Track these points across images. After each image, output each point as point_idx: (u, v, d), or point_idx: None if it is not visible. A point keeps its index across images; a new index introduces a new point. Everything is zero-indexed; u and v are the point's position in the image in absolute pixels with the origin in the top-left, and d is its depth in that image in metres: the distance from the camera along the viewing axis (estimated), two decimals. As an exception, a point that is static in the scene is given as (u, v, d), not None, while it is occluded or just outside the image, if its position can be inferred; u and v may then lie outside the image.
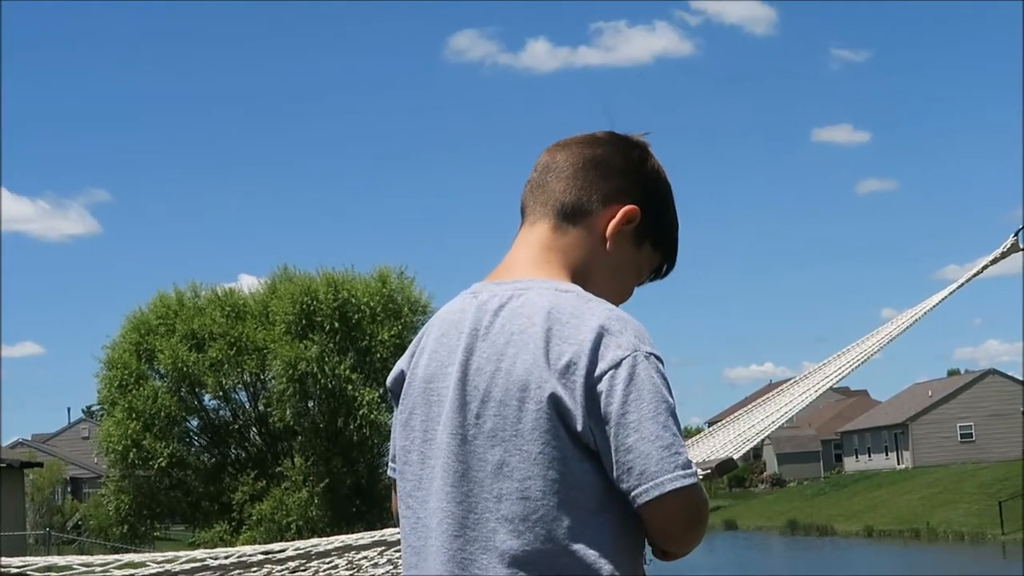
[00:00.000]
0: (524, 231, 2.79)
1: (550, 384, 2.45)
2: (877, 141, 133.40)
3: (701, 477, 3.66)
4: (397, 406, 2.72)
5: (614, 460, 2.44)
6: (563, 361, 2.46)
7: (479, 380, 2.54)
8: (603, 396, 2.43)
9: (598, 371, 2.44)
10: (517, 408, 2.48)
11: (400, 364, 2.75)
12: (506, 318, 2.57)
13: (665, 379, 2.48)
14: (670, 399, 2.46)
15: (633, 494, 2.43)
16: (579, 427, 2.44)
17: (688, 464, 2.45)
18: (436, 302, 41.35)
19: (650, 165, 2.83)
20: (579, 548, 2.45)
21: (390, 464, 2.77)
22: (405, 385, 2.70)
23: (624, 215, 2.73)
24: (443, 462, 2.55)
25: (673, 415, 2.46)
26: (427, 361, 2.66)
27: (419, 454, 2.62)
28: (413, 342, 2.76)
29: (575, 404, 2.44)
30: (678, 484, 2.42)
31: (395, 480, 2.76)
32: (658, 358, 2.49)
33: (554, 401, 2.45)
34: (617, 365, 2.44)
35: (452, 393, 2.57)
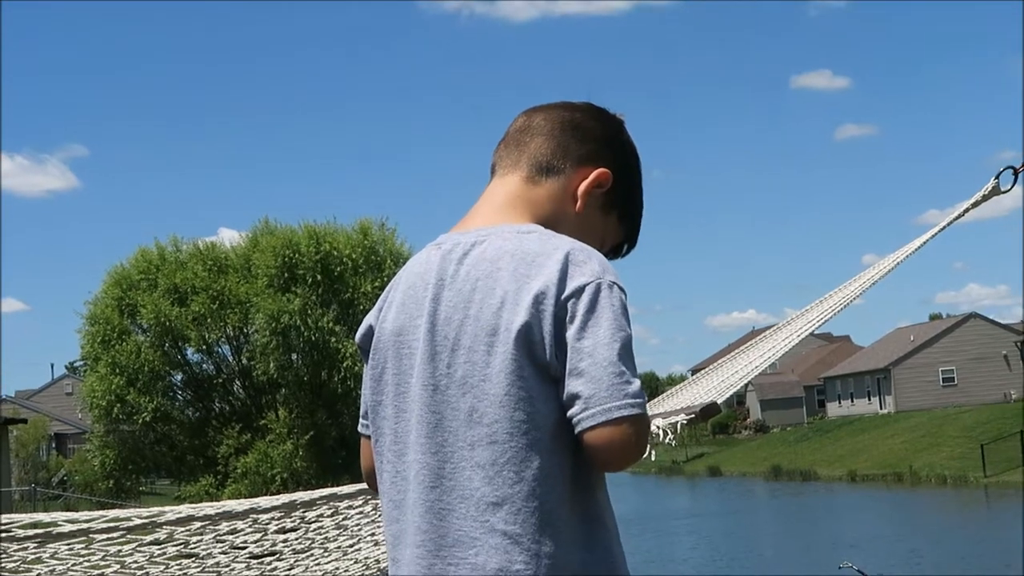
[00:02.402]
0: (494, 183, 2.81)
1: (520, 318, 2.46)
2: (856, 87, 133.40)
3: (685, 422, 3.67)
4: (367, 362, 2.72)
5: (565, 384, 2.45)
6: (533, 294, 2.47)
7: (448, 329, 2.55)
8: (566, 321, 2.45)
9: (563, 297, 2.46)
10: (486, 353, 2.50)
11: (368, 319, 2.76)
12: (471, 265, 2.59)
13: (625, 309, 2.49)
14: (628, 329, 2.47)
15: (579, 418, 2.44)
16: (547, 356, 2.45)
17: (639, 394, 2.46)
18: (418, 253, 41.20)
19: (626, 138, 2.88)
20: (546, 489, 2.46)
21: (361, 420, 2.78)
22: (374, 340, 2.71)
23: (597, 176, 2.76)
24: (417, 414, 2.56)
25: (629, 345, 2.47)
26: (395, 314, 2.67)
27: (393, 408, 2.63)
28: (381, 297, 2.77)
29: (544, 333, 2.46)
30: (626, 412, 2.43)
31: (364, 436, 2.78)
32: (621, 288, 2.50)
33: (524, 334, 2.46)
34: (580, 291, 2.46)
35: (422, 344, 2.58)
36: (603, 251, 2.76)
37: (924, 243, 4.48)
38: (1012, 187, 3.86)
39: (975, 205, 4.10)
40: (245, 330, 42.66)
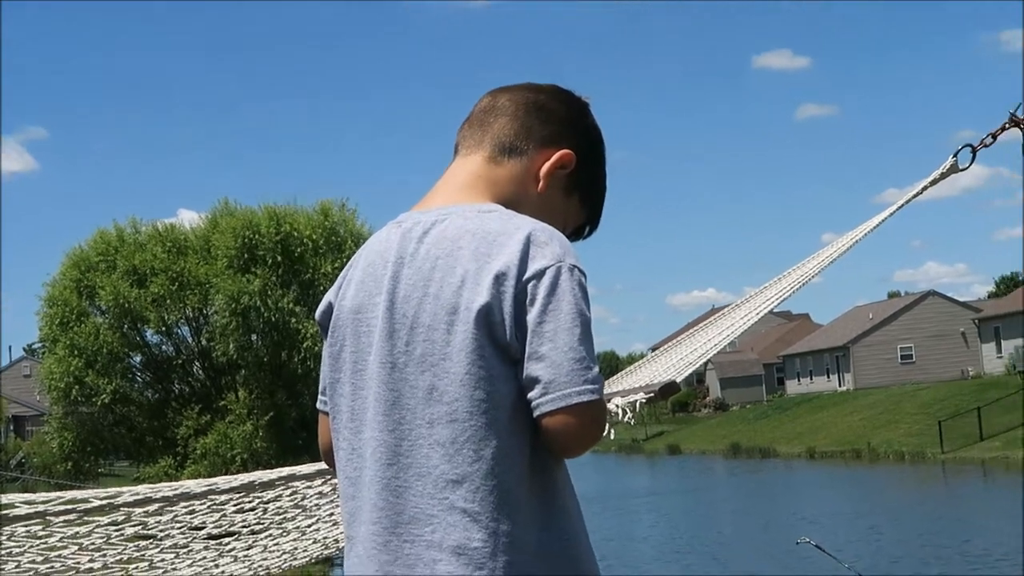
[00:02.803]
0: (456, 163, 2.81)
1: (480, 298, 2.46)
2: (817, 67, 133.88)
3: (644, 400, 3.67)
4: (326, 339, 2.72)
5: (525, 367, 2.45)
6: (493, 274, 2.47)
7: (407, 307, 2.55)
8: (526, 304, 2.45)
9: (525, 278, 2.45)
10: (446, 332, 2.49)
11: (328, 297, 2.76)
12: (431, 244, 2.58)
13: (585, 292, 2.49)
14: (588, 313, 2.48)
15: (537, 402, 2.44)
16: (507, 337, 2.45)
17: (597, 379, 2.47)
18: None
19: (590, 121, 2.88)
20: (504, 468, 2.46)
21: (320, 397, 2.77)
22: (333, 317, 2.71)
23: (560, 157, 2.76)
24: (375, 391, 2.56)
25: (589, 330, 2.48)
26: (354, 292, 2.67)
27: (351, 385, 2.63)
28: (341, 274, 2.77)
29: (504, 314, 2.45)
30: (585, 398, 2.44)
31: (323, 412, 2.77)
32: (581, 271, 2.50)
33: (484, 314, 2.46)
34: (541, 274, 2.46)
35: (380, 322, 2.57)
36: (565, 233, 2.75)
37: (883, 221, 4.49)
38: (970, 165, 3.88)
39: (933, 183, 4.11)
40: (205, 311, 42.49)
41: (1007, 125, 3.74)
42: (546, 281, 2.46)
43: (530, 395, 2.45)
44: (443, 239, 2.57)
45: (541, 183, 2.75)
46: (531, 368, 2.44)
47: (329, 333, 2.71)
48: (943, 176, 3.98)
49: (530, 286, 2.46)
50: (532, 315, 2.45)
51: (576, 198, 2.83)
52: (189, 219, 47.73)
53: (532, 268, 2.47)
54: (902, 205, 4.35)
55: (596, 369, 2.47)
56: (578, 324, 2.45)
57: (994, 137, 3.78)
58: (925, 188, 4.12)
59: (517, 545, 2.44)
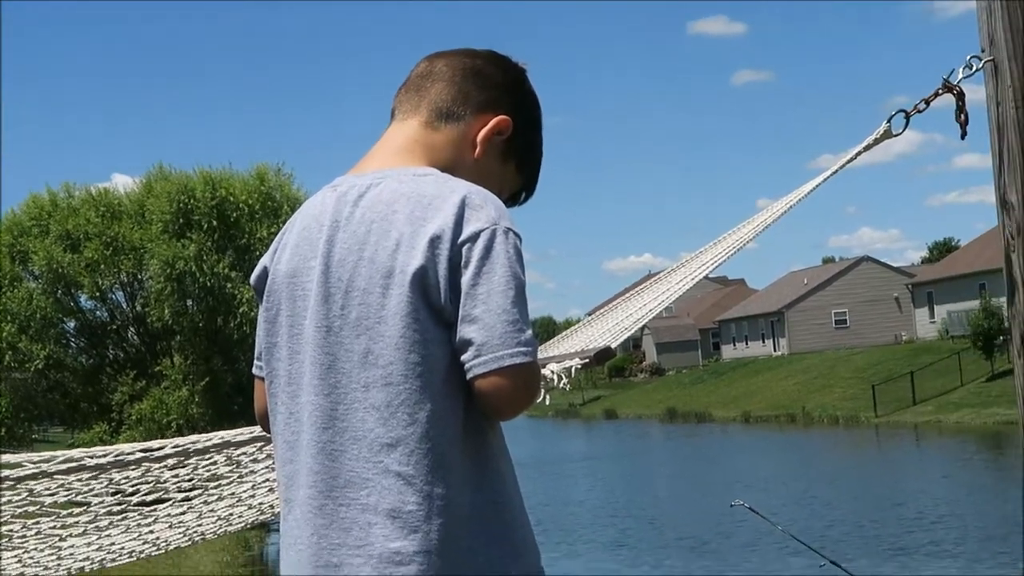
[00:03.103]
0: (393, 127, 2.80)
1: (415, 261, 2.46)
2: (752, 32, 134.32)
3: (580, 366, 3.67)
4: (261, 303, 2.71)
5: (458, 329, 2.46)
6: (428, 236, 2.47)
7: (342, 271, 2.55)
8: (460, 266, 2.45)
9: (459, 241, 2.45)
10: (381, 295, 2.49)
11: (263, 261, 2.76)
12: (366, 207, 2.57)
13: (520, 256, 2.50)
14: (522, 276, 2.48)
15: (470, 364, 2.45)
16: (442, 300, 2.45)
17: (530, 342, 2.47)
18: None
19: (527, 87, 2.89)
20: (439, 431, 2.47)
21: (256, 362, 2.77)
22: (268, 282, 2.70)
23: (497, 123, 2.77)
24: (310, 355, 2.56)
25: (522, 292, 2.48)
26: (289, 256, 2.66)
27: (287, 349, 2.63)
28: (276, 238, 2.76)
29: (439, 277, 2.45)
30: (517, 360, 2.44)
31: (259, 378, 2.77)
32: (516, 235, 2.51)
33: (419, 277, 2.46)
34: (475, 237, 2.46)
35: (316, 286, 2.57)
36: (501, 199, 2.75)
37: (817, 187, 4.51)
38: (903, 131, 3.90)
39: (867, 149, 4.13)
40: (139, 276, 42.18)
41: (940, 91, 3.77)
42: (480, 244, 2.46)
43: (463, 357, 2.45)
44: (378, 202, 2.57)
45: (478, 149, 2.75)
46: (464, 330, 2.44)
47: (264, 297, 2.70)
48: (877, 142, 4.01)
49: (464, 249, 2.46)
50: (466, 278, 2.45)
51: (512, 164, 2.84)
52: (123, 184, 47.23)
53: (467, 231, 2.47)
54: (836, 171, 4.37)
55: (529, 332, 2.47)
56: (512, 287, 2.45)
57: (927, 103, 3.81)
58: (859, 154, 4.15)
59: (451, 508, 2.45)
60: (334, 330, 2.53)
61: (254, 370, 2.78)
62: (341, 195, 2.63)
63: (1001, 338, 51.19)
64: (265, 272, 2.73)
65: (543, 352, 4.82)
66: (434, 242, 2.46)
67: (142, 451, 4.66)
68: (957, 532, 24.28)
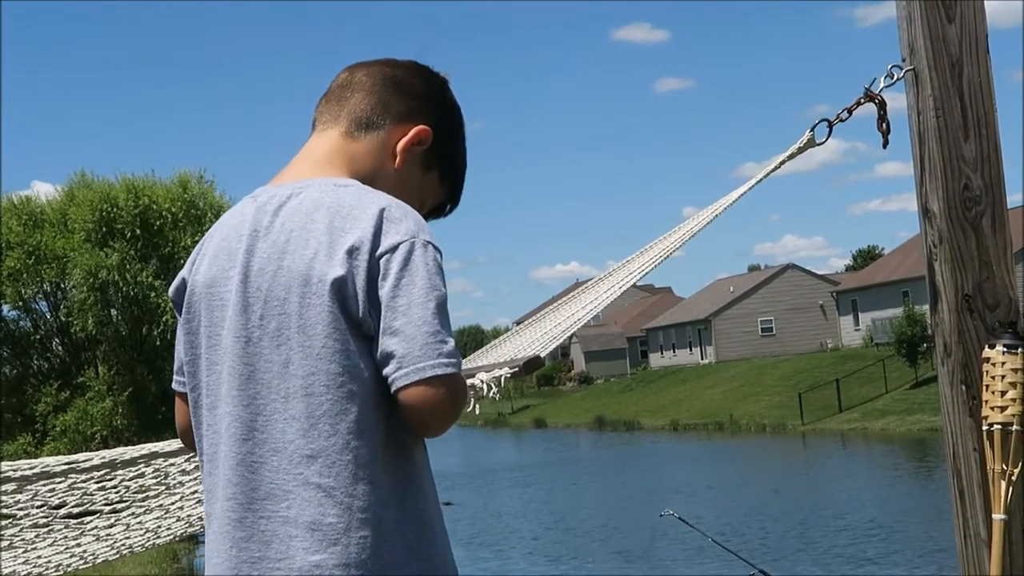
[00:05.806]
0: (313, 138, 2.79)
1: (334, 271, 2.45)
2: (675, 40, 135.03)
3: (509, 375, 3.68)
4: (181, 316, 2.68)
5: (380, 342, 2.44)
6: (346, 247, 2.46)
7: (261, 281, 2.53)
8: (379, 279, 2.44)
9: (378, 253, 2.44)
10: (299, 304, 2.48)
11: (181, 273, 2.72)
12: (285, 217, 2.56)
13: (440, 269, 2.49)
14: (442, 288, 2.47)
15: (393, 377, 2.43)
16: (360, 312, 2.44)
17: (453, 353, 2.45)
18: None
19: (448, 97, 2.88)
20: (360, 443, 2.45)
21: (176, 377, 2.73)
22: (187, 293, 2.67)
23: (417, 133, 2.76)
24: (229, 366, 2.54)
25: (443, 304, 2.47)
26: (207, 267, 2.64)
27: (206, 361, 2.60)
28: (195, 250, 2.73)
29: (357, 288, 2.44)
30: (440, 371, 2.42)
31: (179, 393, 2.73)
32: (436, 248, 2.50)
33: (338, 287, 2.44)
34: (394, 249, 2.45)
35: (234, 296, 2.55)
36: (424, 210, 2.77)
37: (741, 195, 4.54)
38: (826, 140, 3.93)
39: (791, 157, 4.16)
40: (62, 285, 41.79)
41: (862, 100, 3.80)
42: (399, 256, 2.45)
43: (385, 371, 2.44)
44: (298, 212, 2.55)
45: (398, 159, 2.74)
46: (385, 343, 2.43)
47: (184, 310, 2.66)
48: (800, 151, 4.03)
49: (383, 261, 2.45)
50: (385, 290, 2.43)
51: (435, 175, 2.83)
52: (45, 191, 46.88)
53: (385, 243, 2.46)
54: (761, 179, 4.40)
55: (452, 343, 2.45)
56: (432, 298, 2.44)
57: (850, 112, 3.84)
58: (783, 162, 4.17)
59: (372, 521, 2.43)
60: (253, 340, 2.51)
61: (174, 385, 2.74)
62: (261, 205, 2.61)
63: (924, 345, 51.71)
64: (183, 284, 2.69)
65: (473, 362, 4.83)
66: (352, 253, 2.45)
67: (67, 463, 4.62)
68: (883, 538, 24.50)
